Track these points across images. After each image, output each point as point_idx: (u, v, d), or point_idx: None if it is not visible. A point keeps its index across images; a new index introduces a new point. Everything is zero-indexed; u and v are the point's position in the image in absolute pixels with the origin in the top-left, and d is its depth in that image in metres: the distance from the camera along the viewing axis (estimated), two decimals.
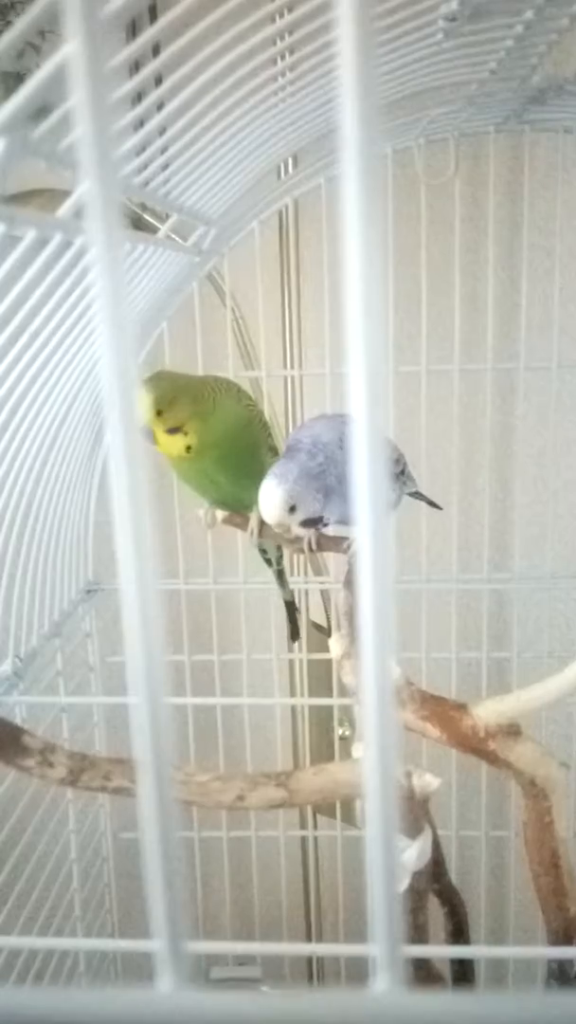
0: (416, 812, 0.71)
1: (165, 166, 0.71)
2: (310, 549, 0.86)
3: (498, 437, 1.16)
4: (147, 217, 1.01)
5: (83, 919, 1.08)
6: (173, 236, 0.89)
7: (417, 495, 0.93)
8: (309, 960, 1.30)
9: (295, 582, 1.15)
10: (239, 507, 0.90)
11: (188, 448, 0.81)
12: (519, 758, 0.70)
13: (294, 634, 1.06)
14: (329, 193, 1.01)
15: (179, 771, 0.69)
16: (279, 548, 0.98)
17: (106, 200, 0.19)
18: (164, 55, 0.55)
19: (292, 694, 1.22)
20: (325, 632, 1.17)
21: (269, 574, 1.03)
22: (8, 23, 0.91)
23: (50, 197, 0.92)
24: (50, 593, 0.99)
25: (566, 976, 0.75)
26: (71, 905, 1.06)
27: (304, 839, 1.27)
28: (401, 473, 0.85)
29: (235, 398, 0.86)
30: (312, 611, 1.19)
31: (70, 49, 0.18)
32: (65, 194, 0.62)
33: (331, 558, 1.13)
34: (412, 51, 0.71)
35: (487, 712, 0.69)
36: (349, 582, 0.81)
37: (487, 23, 0.72)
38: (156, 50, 0.67)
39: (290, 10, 0.59)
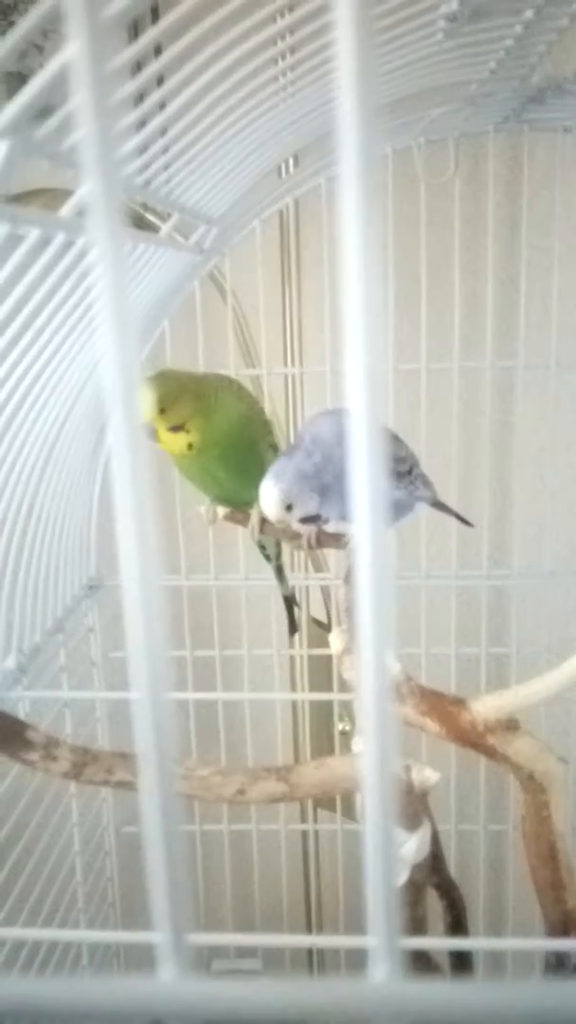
0: (415, 806, 0.72)
1: (167, 166, 0.71)
2: (309, 546, 0.86)
3: (497, 435, 1.17)
4: (149, 216, 1.01)
5: (86, 912, 1.09)
6: (175, 235, 0.90)
7: (442, 507, 0.93)
8: (310, 953, 1.31)
9: (296, 578, 1.16)
10: (240, 504, 0.90)
11: (190, 446, 0.82)
12: (517, 753, 0.70)
13: (292, 629, 1.07)
14: (330, 192, 1.02)
15: (180, 765, 0.70)
16: (278, 544, 0.99)
17: (108, 200, 0.19)
18: (166, 56, 0.55)
19: (293, 689, 1.23)
20: (325, 628, 1.17)
21: (270, 570, 1.03)
22: (11, 23, 0.91)
23: (53, 197, 0.92)
24: (53, 589, 0.99)
25: (564, 968, 0.76)
26: (74, 898, 1.06)
27: (305, 833, 1.28)
28: (408, 473, 0.85)
29: (236, 395, 0.87)
30: (312, 607, 1.20)
31: (72, 50, 0.18)
32: (68, 194, 0.62)
33: (332, 554, 1.13)
34: (412, 51, 0.71)
35: (486, 707, 0.70)
36: (349, 578, 0.81)
37: (487, 23, 0.72)
38: (158, 50, 0.68)
39: (291, 10, 0.59)
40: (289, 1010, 0.21)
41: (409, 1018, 0.21)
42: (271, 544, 0.98)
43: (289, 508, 0.78)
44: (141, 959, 1.21)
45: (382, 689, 0.21)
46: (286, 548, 1.01)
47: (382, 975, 0.22)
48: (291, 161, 1.04)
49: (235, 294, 1.08)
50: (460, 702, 0.71)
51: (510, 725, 0.70)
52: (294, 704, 1.23)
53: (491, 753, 0.71)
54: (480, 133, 1.03)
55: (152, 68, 0.56)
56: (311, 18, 0.59)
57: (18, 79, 0.88)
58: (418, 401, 1.07)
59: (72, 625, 1.05)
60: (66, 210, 0.61)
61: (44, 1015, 0.21)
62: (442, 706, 0.71)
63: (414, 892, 0.76)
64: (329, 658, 1.06)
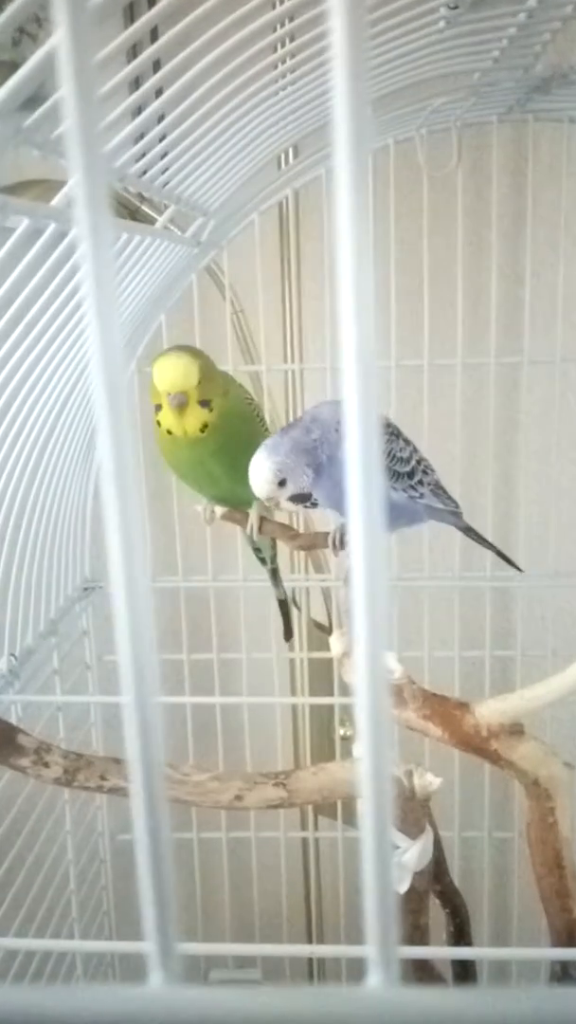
0: (417, 812, 0.70)
1: (163, 155, 0.70)
2: (308, 547, 0.85)
3: (501, 432, 1.15)
4: (145, 208, 1.00)
5: (80, 921, 1.07)
6: (171, 227, 0.88)
7: (477, 537, 0.92)
8: (309, 962, 1.29)
9: (296, 580, 1.14)
10: (238, 503, 0.89)
11: (205, 426, 0.80)
12: (522, 758, 0.69)
13: (288, 634, 1.05)
14: (330, 184, 1.00)
15: (176, 770, 0.68)
16: (274, 547, 0.98)
17: (92, 192, 0.19)
18: (162, 40, 0.54)
19: (292, 693, 1.21)
20: (326, 630, 1.16)
21: (266, 572, 1.02)
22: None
23: (47, 188, 0.91)
24: (47, 591, 0.98)
25: (569, 978, 0.74)
26: (68, 906, 1.05)
27: (305, 840, 1.26)
28: (409, 476, 0.83)
29: (241, 389, 0.87)
30: (313, 609, 1.18)
31: (57, 37, 0.18)
32: (61, 185, 0.61)
33: (331, 556, 1.12)
34: (413, 40, 0.70)
35: (490, 711, 0.68)
36: (350, 580, 0.80)
37: (489, 11, 0.71)
38: (154, 34, 0.66)
39: None
40: (280, 1018, 0.20)
41: None
42: (267, 546, 0.97)
43: (282, 484, 0.77)
44: (137, 968, 1.19)
45: (378, 686, 0.21)
46: (282, 551, 0.99)
47: (377, 983, 0.21)
48: (291, 151, 1.03)
49: (233, 288, 1.06)
50: (463, 706, 0.69)
51: (514, 729, 0.69)
52: (294, 708, 1.22)
53: (495, 758, 0.70)
54: (483, 123, 1.02)
55: (148, 52, 0.54)
56: (311, 4, 0.58)
57: (10, 67, 0.86)
58: (421, 398, 1.05)
59: (66, 627, 1.04)
60: (57, 200, 0.59)
61: None
62: (445, 710, 0.69)
63: (416, 900, 0.74)
64: (330, 661, 1.04)
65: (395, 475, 0.82)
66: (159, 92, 0.60)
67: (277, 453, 0.77)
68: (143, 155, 0.67)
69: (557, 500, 1.12)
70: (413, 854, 0.71)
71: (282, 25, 0.60)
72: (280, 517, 0.96)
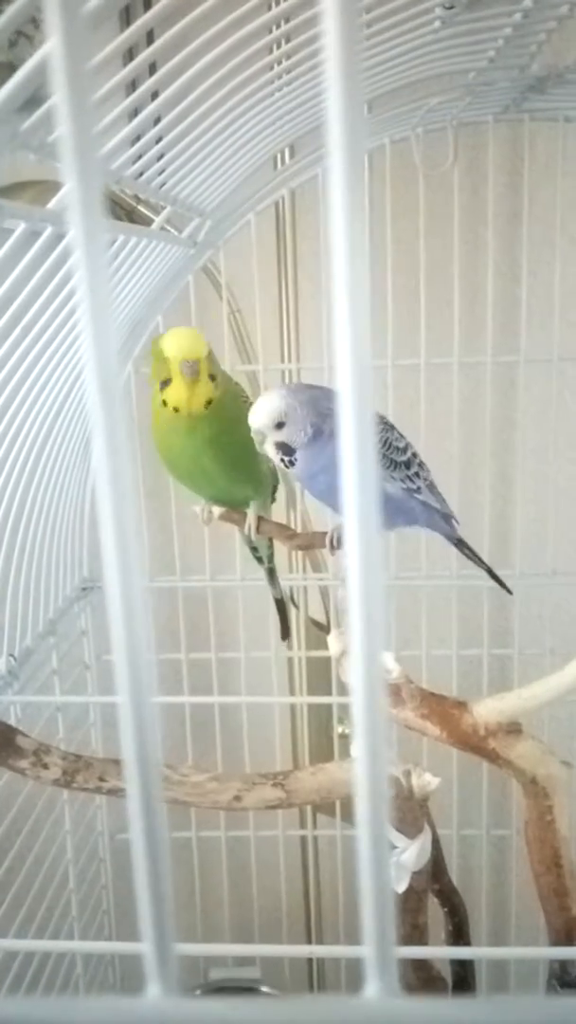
0: (415, 812, 0.70)
1: (159, 156, 0.70)
2: (305, 547, 0.84)
3: (498, 431, 1.15)
4: (141, 209, 0.99)
5: (80, 920, 1.07)
6: (168, 228, 0.88)
7: (469, 552, 0.91)
8: (309, 960, 1.29)
9: (294, 579, 1.14)
10: (235, 503, 0.89)
11: (209, 402, 0.80)
12: (520, 757, 0.69)
13: (285, 633, 1.05)
14: (327, 183, 1.00)
15: (174, 771, 0.68)
16: (270, 546, 0.97)
17: (86, 197, 0.19)
18: (158, 43, 0.54)
19: (291, 692, 1.21)
20: (324, 629, 1.16)
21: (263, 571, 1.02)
22: None
23: (43, 189, 0.91)
24: (45, 591, 0.98)
25: (568, 976, 0.75)
26: (68, 906, 1.05)
27: (304, 838, 1.26)
28: (406, 466, 0.82)
29: (237, 388, 0.87)
30: (311, 608, 1.18)
31: (51, 42, 0.18)
32: (57, 186, 0.61)
33: (328, 555, 1.12)
34: (409, 40, 0.70)
35: (487, 710, 0.68)
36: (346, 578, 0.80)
37: (485, 11, 0.71)
38: (150, 37, 0.66)
39: None
40: None
41: None
42: (264, 546, 0.97)
43: (280, 425, 0.76)
44: (137, 968, 1.19)
45: (374, 680, 0.21)
46: (279, 550, 0.99)
47: (375, 991, 0.21)
48: (287, 152, 1.02)
49: (230, 288, 1.06)
50: (461, 705, 0.69)
51: (512, 728, 0.69)
52: (292, 707, 1.22)
53: (493, 757, 0.70)
54: (479, 122, 1.02)
55: (144, 55, 0.54)
56: (306, 5, 0.58)
57: (8, 68, 0.86)
58: (418, 397, 1.05)
59: (64, 627, 1.04)
60: (54, 203, 0.59)
61: None
62: (443, 709, 0.70)
63: (414, 900, 0.75)
64: (328, 659, 1.05)
65: (392, 464, 0.81)
66: (155, 95, 0.60)
67: (293, 396, 0.76)
68: (139, 157, 0.67)
69: (555, 499, 1.12)
70: (411, 854, 0.71)
71: (277, 27, 0.60)
72: (277, 516, 0.96)
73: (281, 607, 1.03)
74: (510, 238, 1.11)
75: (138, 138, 0.64)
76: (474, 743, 0.69)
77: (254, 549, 0.98)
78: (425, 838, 0.72)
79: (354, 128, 0.18)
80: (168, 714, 1.14)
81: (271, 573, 1.00)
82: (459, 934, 0.83)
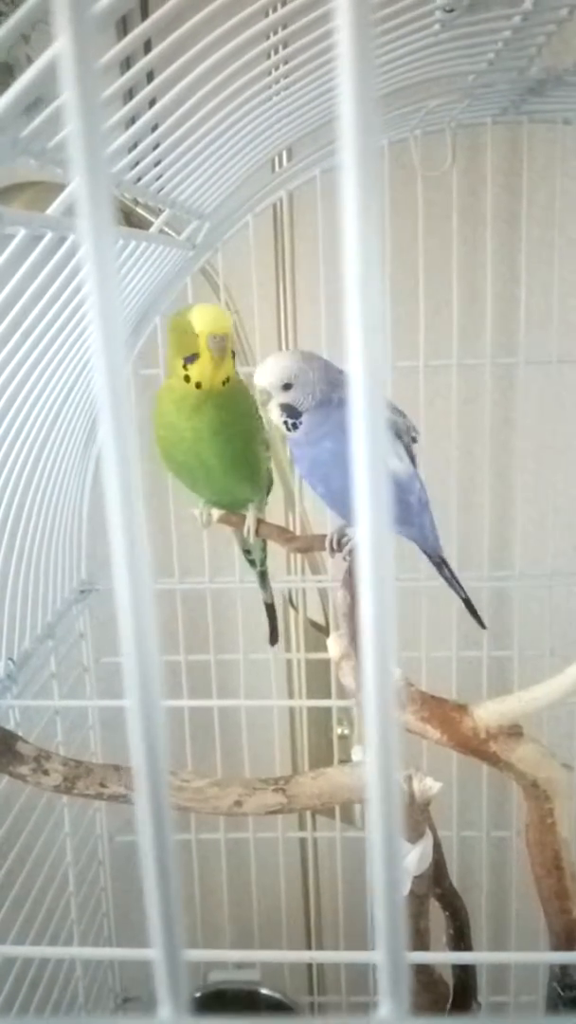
0: (417, 816, 0.70)
1: (158, 161, 0.70)
2: (305, 550, 0.84)
3: (497, 433, 1.15)
4: (140, 211, 0.99)
5: (79, 922, 1.07)
6: (166, 230, 0.88)
7: (449, 577, 0.91)
8: (309, 962, 1.29)
9: (293, 580, 1.14)
10: (233, 505, 0.88)
11: (227, 380, 0.79)
12: (521, 760, 0.69)
13: (273, 638, 1.04)
14: (324, 185, 1.00)
15: (175, 777, 0.68)
16: (264, 549, 0.97)
17: (96, 199, 0.19)
18: (155, 51, 0.54)
19: (290, 695, 1.21)
20: (323, 631, 1.16)
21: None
22: (1, 14, 0.89)
23: (41, 190, 0.91)
24: (43, 594, 0.98)
25: (568, 979, 0.75)
26: (67, 909, 1.05)
27: (303, 840, 1.27)
28: (411, 435, 0.81)
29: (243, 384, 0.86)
30: (309, 609, 1.18)
31: (59, 46, 0.18)
32: (55, 187, 0.61)
33: (328, 557, 1.11)
34: (409, 42, 0.70)
35: (488, 713, 0.68)
36: (347, 582, 0.80)
37: (485, 14, 0.71)
38: (148, 46, 0.66)
39: (283, 3, 0.58)
40: None
41: None
42: (257, 549, 0.96)
43: (287, 387, 0.75)
44: (136, 968, 1.19)
45: (386, 697, 0.21)
46: (273, 554, 0.99)
47: (387, 1013, 0.21)
48: (284, 154, 1.02)
49: (228, 290, 1.06)
50: (462, 708, 0.69)
51: (513, 731, 0.69)
52: (292, 710, 1.22)
53: (494, 760, 0.70)
54: (478, 125, 1.02)
55: (141, 63, 0.54)
56: (304, 11, 0.58)
57: (4, 69, 0.86)
58: (416, 399, 1.05)
59: (63, 630, 1.04)
60: (53, 208, 0.59)
61: None
62: (443, 712, 0.70)
63: (416, 904, 0.75)
64: (327, 662, 1.04)
65: (395, 435, 0.79)
66: (152, 102, 0.60)
67: (306, 361, 0.75)
68: (137, 163, 0.67)
69: (554, 500, 1.12)
70: (413, 858, 0.71)
71: (275, 33, 0.60)
72: (275, 518, 0.96)
73: (271, 611, 1.03)
74: (509, 240, 1.11)
75: (136, 144, 0.64)
76: (475, 746, 0.69)
77: (247, 551, 0.97)
78: (426, 843, 0.72)
79: (367, 124, 0.18)
80: (167, 716, 1.13)
81: (263, 577, 1.00)
82: (460, 937, 0.83)
